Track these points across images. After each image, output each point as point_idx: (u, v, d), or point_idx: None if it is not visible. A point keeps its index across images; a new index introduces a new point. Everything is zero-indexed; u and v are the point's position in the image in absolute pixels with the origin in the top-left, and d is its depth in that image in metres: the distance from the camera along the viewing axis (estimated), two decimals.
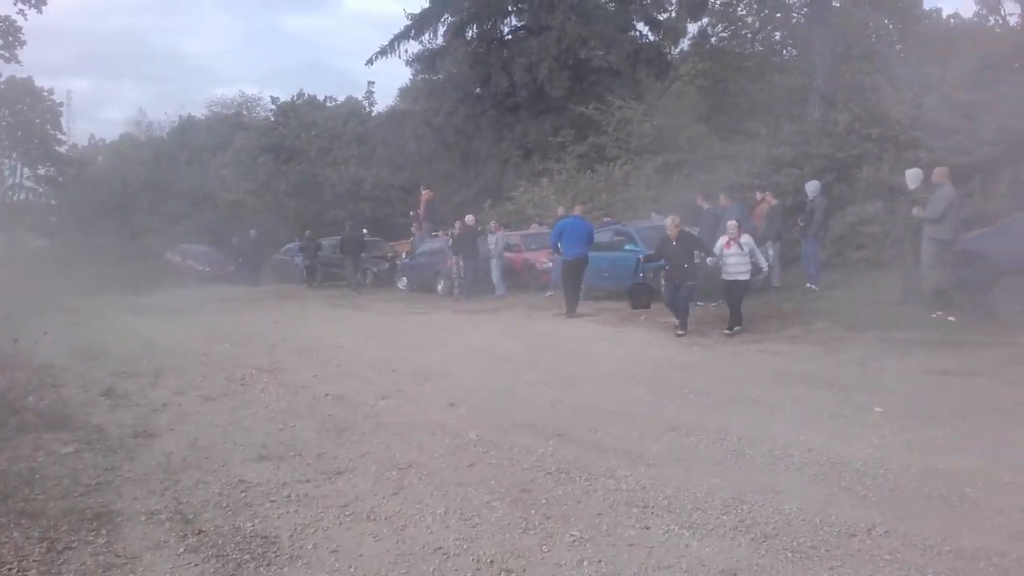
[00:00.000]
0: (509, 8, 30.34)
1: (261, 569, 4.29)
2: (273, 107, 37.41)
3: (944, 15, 32.17)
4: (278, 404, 8.14)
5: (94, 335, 13.84)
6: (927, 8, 31.19)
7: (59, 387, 9.28)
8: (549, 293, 16.09)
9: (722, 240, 11.00)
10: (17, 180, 37.16)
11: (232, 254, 28.19)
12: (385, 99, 50.08)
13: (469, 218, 18.81)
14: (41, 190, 34.59)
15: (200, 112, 45.23)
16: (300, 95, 36.53)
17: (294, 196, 31.26)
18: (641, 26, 30.23)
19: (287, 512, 5.07)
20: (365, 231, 25.79)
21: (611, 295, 14.75)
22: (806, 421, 6.48)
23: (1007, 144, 14.14)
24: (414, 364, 9.95)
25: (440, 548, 4.43)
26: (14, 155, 35.38)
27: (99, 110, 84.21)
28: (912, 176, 11.72)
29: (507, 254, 18.22)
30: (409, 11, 31.08)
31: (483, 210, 22.51)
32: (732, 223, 11.25)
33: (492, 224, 18.84)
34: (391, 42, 31.10)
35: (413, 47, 31.54)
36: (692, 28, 28.91)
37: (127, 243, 31.71)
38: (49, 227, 34.30)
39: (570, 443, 6.25)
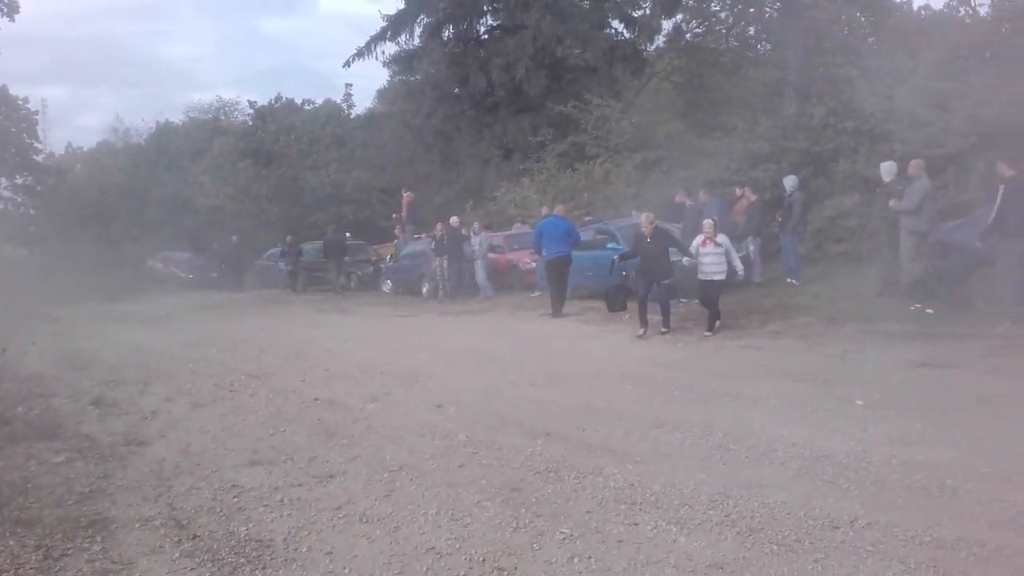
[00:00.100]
0: (484, 8, 30.39)
1: (256, 572, 4.36)
2: (251, 111, 37.24)
3: (915, 7, 32.51)
4: (268, 409, 8.18)
5: (80, 344, 13.78)
6: (898, 0, 31.56)
7: (48, 397, 9.29)
8: (536, 294, 16.15)
9: (698, 239, 10.95)
10: None
11: (214, 260, 28.06)
12: (363, 101, 50.19)
13: (454, 220, 18.86)
14: (19, 199, 34.13)
15: (178, 118, 44.95)
16: (278, 99, 36.43)
17: (275, 200, 31.16)
18: (616, 23, 30.35)
19: (280, 516, 5.14)
20: (348, 234, 25.78)
21: (595, 294, 14.83)
22: (789, 415, 6.59)
23: (978, 135, 14.33)
24: (401, 366, 10.00)
25: (433, 548, 4.50)
26: None
27: (75, 117, 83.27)
28: (887, 169, 11.90)
29: (490, 255, 18.27)
30: (385, 12, 31.08)
31: (465, 211, 22.57)
32: (708, 222, 11.21)
33: (476, 225, 18.89)
34: (368, 44, 31.08)
35: (390, 48, 31.54)
36: (667, 25, 29.00)
37: (107, 251, 31.45)
38: (28, 236, 33.91)
39: (558, 442, 6.33)
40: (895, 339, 9.26)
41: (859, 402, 6.78)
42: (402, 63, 32.48)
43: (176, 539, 4.84)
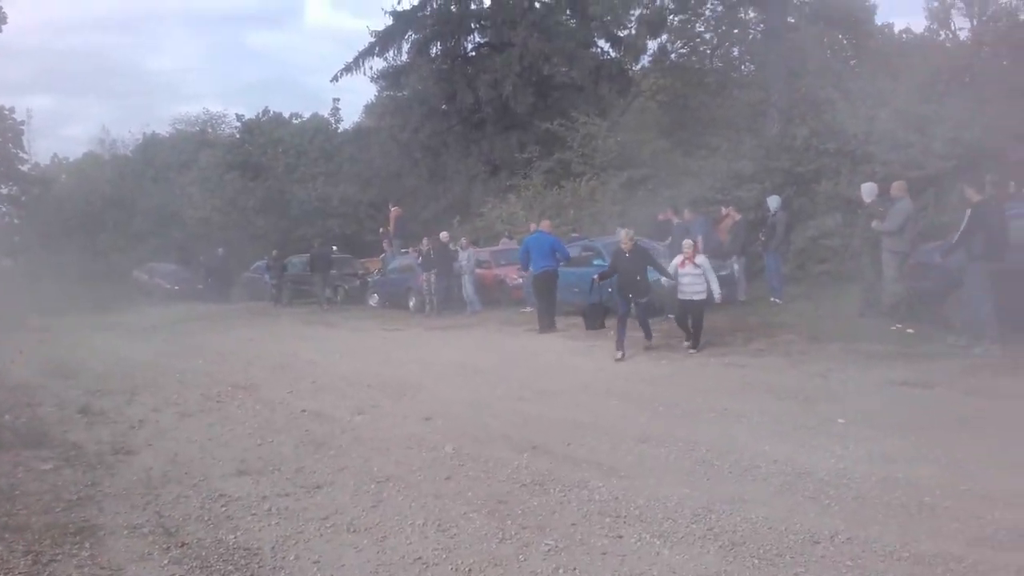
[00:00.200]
0: (472, 25, 30.68)
1: None
2: (238, 124, 37.29)
3: (896, 30, 33.09)
4: (255, 420, 8.20)
5: (67, 354, 13.71)
6: (879, 23, 32.01)
7: (35, 406, 9.29)
8: (528, 309, 16.11)
9: (678, 259, 10.96)
10: None
11: (200, 272, 28.02)
12: (351, 116, 50.24)
13: (443, 235, 18.95)
14: (4, 209, 34.13)
15: (164, 130, 45.04)
16: (265, 112, 36.52)
17: (262, 213, 31.18)
18: (602, 43, 30.73)
19: (268, 525, 5.18)
20: (335, 248, 25.83)
21: (581, 310, 14.90)
22: (772, 432, 6.66)
23: (957, 157, 14.58)
24: (389, 379, 10.04)
25: (420, 558, 4.55)
26: None
27: (61, 128, 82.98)
28: (867, 190, 12.06)
29: (478, 270, 18.34)
30: (373, 28, 31.27)
31: (452, 226, 22.66)
32: (688, 242, 11.25)
33: (463, 240, 18.96)
34: (356, 59, 31.27)
35: (377, 64, 31.73)
36: (652, 45, 29.34)
37: (93, 262, 31.42)
38: (13, 246, 33.84)
39: (544, 456, 6.39)
40: (876, 358, 9.36)
41: (840, 420, 6.86)
42: (390, 79, 32.64)
43: (164, 546, 4.87)
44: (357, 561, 4.56)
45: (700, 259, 10.91)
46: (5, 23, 29.46)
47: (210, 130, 44.76)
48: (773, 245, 14.32)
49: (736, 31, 29.83)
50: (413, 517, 5.18)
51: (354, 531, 5.02)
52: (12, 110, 32.95)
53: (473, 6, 30.75)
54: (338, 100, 49.17)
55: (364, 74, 31.78)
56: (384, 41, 30.91)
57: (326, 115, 37.36)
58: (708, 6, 28.78)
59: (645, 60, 30.42)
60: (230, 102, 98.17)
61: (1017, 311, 9.18)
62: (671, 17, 28.17)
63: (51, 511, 5.53)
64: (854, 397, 7.69)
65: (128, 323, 19.27)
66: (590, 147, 23.46)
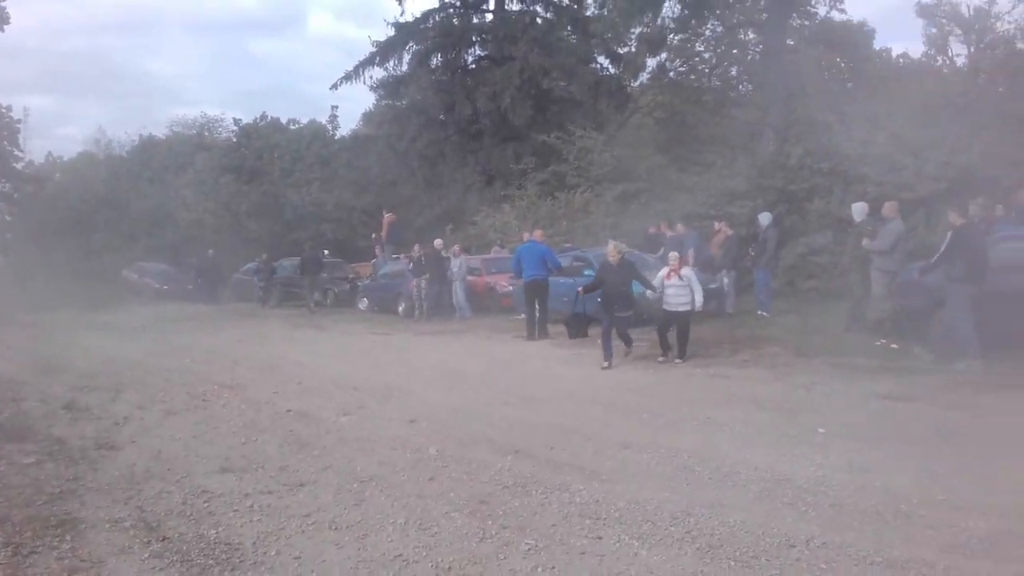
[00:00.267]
0: (473, 39, 30.96)
1: (226, 574, 4.42)
2: (235, 128, 37.33)
3: (894, 55, 33.46)
4: (240, 419, 8.21)
5: (54, 350, 13.71)
6: (877, 48, 32.37)
7: (19, 400, 9.30)
8: (521, 316, 16.12)
9: (663, 271, 11.08)
10: None
11: (190, 273, 28.02)
12: (349, 123, 50.30)
13: (437, 242, 19.03)
14: None
15: (161, 132, 45.14)
16: (263, 117, 36.55)
17: (255, 216, 31.12)
18: (602, 59, 30.99)
19: (250, 521, 5.20)
20: (326, 252, 25.85)
21: (564, 319, 14.93)
22: (753, 441, 6.72)
23: (949, 180, 14.72)
24: (376, 382, 10.06)
25: (400, 555, 4.58)
26: None
27: (57, 127, 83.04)
28: (858, 210, 12.20)
29: (469, 277, 18.41)
30: (374, 39, 31.47)
31: (445, 234, 22.72)
32: (673, 254, 11.39)
33: (456, 248, 19.03)
34: (356, 68, 31.49)
35: (377, 73, 31.94)
36: (651, 62, 29.57)
37: (85, 260, 31.37)
38: (5, 243, 33.80)
39: (527, 459, 6.43)
40: (860, 372, 9.45)
41: (821, 430, 6.92)
42: (389, 88, 32.83)
43: (145, 540, 4.89)
44: (338, 558, 4.59)
45: (686, 271, 11.04)
46: (8, 23, 29.49)
47: (207, 133, 44.89)
48: (763, 261, 14.45)
49: (735, 51, 30.12)
50: (395, 516, 5.20)
51: (336, 528, 5.04)
52: (9, 108, 32.93)
53: (475, 20, 31.05)
54: (336, 107, 49.19)
55: (364, 83, 32.07)
56: (385, 51, 31.11)
57: (324, 122, 37.53)
58: (708, 26, 29.05)
59: (644, 77, 30.69)
60: (229, 107, 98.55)
61: (1001, 331, 9.32)
62: (671, 36, 28.38)
63: (32, 504, 5.54)
64: (836, 409, 7.77)
65: (117, 322, 19.26)
66: (586, 160, 23.61)
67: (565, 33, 30.50)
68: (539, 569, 4.35)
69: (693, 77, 31.55)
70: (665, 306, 10.99)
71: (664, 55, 29.66)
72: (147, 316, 20.53)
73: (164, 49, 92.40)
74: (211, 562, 4.56)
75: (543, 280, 14.23)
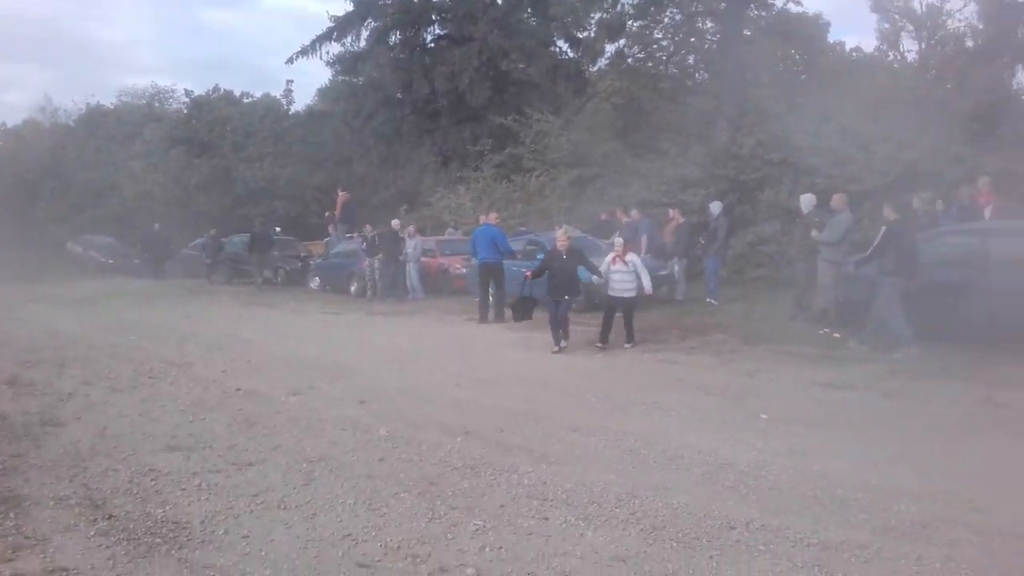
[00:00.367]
0: (433, 17, 30.70)
1: (173, 552, 4.39)
2: (186, 100, 36.55)
3: (848, 48, 34.00)
4: (188, 397, 8.14)
5: None
6: (832, 41, 32.88)
7: None
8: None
9: (609, 257, 11.12)
10: None
11: (137, 247, 27.52)
12: (303, 98, 49.50)
13: (395, 222, 18.93)
14: None
15: (110, 101, 43.99)
16: (215, 89, 35.85)
17: (205, 190, 30.58)
18: (561, 43, 30.99)
19: (198, 500, 5.18)
20: (278, 229, 25.57)
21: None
22: (698, 425, 6.87)
23: (896, 174, 15.09)
24: (326, 362, 10.03)
25: (349, 535, 4.61)
26: None
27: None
28: (806, 201, 12.44)
29: (422, 259, 18.38)
30: (332, 13, 31.03)
31: (400, 214, 22.64)
32: (618, 240, 11.42)
33: (411, 228, 18.97)
34: (312, 43, 31.08)
35: (334, 48, 31.55)
36: (610, 48, 29.65)
37: (27, 231, 30.58)
38: None
39: (477, 441, 6.49)
40: (803, 360, 9.69)
41: (764, 416, 7.10)
42: (346, 64, 32.44)
43: (91, 518, 4.84)
44: (287, 537, 4.60)
45: (631, 256, 11.05)
46: None
47: (157, 104, 43.84)
48: (713, 249, 14.65)
49: (693, 40, 30.29)
50: (344, 496, 5.23)
51: (284, 508, 5.05)
52: None
53: None
54: (291, 82, 48.25)
55: (320, 58, 31.67)
56: (343, 26, 30.75)
57: (278, 96, 36.92)
58: (667, 14, 29.18)
59: (602, 62, 30.75)
60: (179, 77, 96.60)
61: (942, 323, 9.67)
62: (630, 22, 28.48)
63: None
64: (779, 396, 7.96)
65: (60, 295, 18.90)
66: (542, 144, 23.65)
67: (525, 15, 30.47)
68: (487, 549, 4.42)
69: (651, 64, 31.68)
70: (610, 292, 11.01)
71: (623, 41, 29.75)
72: (92, 290, 20.18)
73: (112, 14, 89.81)
74: (158, 541, 4.53)
75: (495, 263, 14.23)
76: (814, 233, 11.70)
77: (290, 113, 35.77)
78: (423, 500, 5.16)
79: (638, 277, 10.96)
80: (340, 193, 23.76)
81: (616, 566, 4.20)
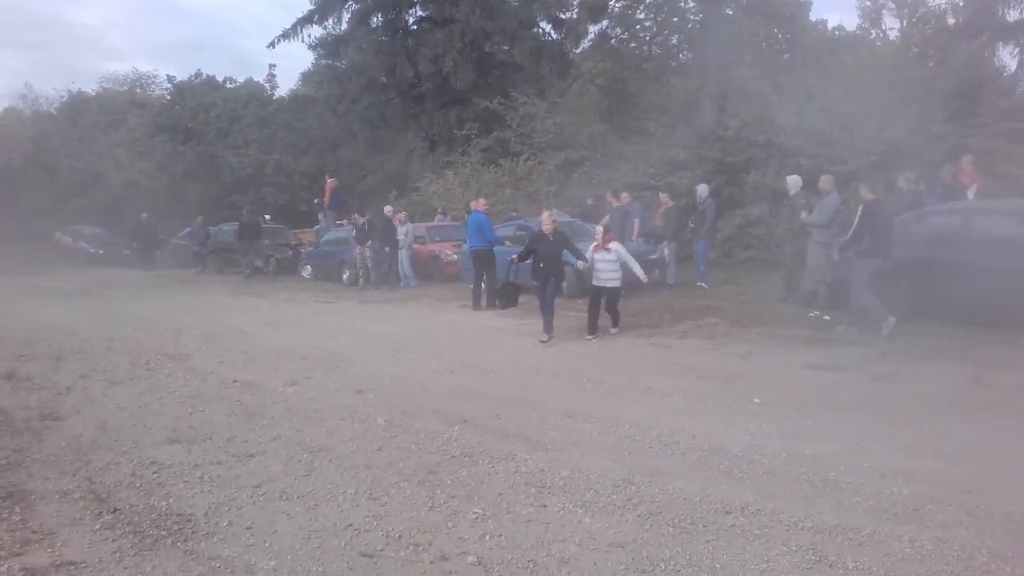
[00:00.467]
0: None
1: (178, 544, 4.47)
2: (169, 86, 36.28)
3: (829, 26, 34.03)
4: (186, 389, 8.17)
5: None
6: (814, 19, 32.87)
7: None
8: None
9: (592, 245, 10.95)
10: None
11: (126, 237, 27.38)
12: (287, 83, 49.18)
13: (387, 209, 18.88)
14: None
15: (91, 87, 43.60)
16: (198, 75, 35.60)
17: (192, 178, 30.44)
18: (544, 24, 30.94)
19: (201, 492, 5.25)
20: (267, 217, 25.48)
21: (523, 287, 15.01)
22: (692, 410, 6.97)
23: (879, 153, 15.18)
24: (322, 352, 10.06)
25: (351, 525, 4.69)
26: None
27: None
28: (793, 182, 12.53)
29: (414, 245, 18.39)
30: None
31: (388, 200, 22.62)
32: (600, 228, 11.22)
33: (402, 215, 18.96)
34: (294, 26, 30.90)
35: (316, 31, 31.39)
36: (593, 29, 29.55)
37: (11, 222, 30.35)
38: None
39: (474, 428, 6.57)
40: (794, 342, 9.79)
41: (756, 400, 7.20)
42: (328, 47, 32.31)
43: (96, 511, 4.91)
44: (289, 527, 4.68)
45: (614, 245, 10.85)
46: None
47: (139, 90, 43.51)
48: (703, 231, 14.71)
49: (676, 19, 30.21)
50: (345, 486, 5.31)
51: (286, 499, 5.12)
52: None
53: None
54: (274, 66, 47.94)
55: (302, 41, 31.50)
56: (324, 9, 30.56)
57: (261, 81, 36.68)
58: None
59: (586, 44, 30.66)
60: (160, 61, 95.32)
61: (930, 303, 9.80)
62: (613, 3, 28.39)
63: None
64: (770, 379, 8.05)
65: (52, 287, 18.82)
66: (529, 127, 23.63)
67: None
68: (487, 536, 4.51)
69: (634, 45, 31.62)
70: (594, 281, 10.86)
71: (606, 22, 29.66)
72: (83, 281, 20.10)
73: None
74: (163, 533, 4.61)
75: (483, 250, 14.17)
76: (804, 215, 11.76)
77: (274, 98, 35.60)
78: (423, 489, 5.24)
79: (622, 266, 10.81)
80: (328, 180, 23.69)
81: (614, 552, 4.29)
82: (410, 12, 31.11)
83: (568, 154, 21.81)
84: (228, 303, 16.28)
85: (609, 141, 22.67)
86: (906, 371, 8.16)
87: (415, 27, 31.06)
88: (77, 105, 40.29)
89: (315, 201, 25.02)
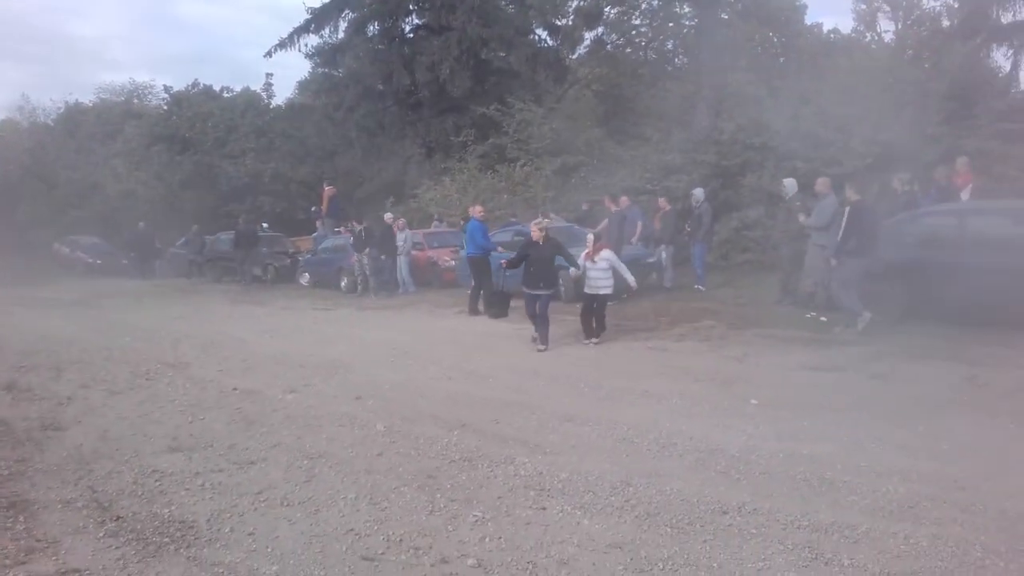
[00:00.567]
0: (410, 7, 30.59)
1: (181, 551, 4.51)
2: (166, 96, 36.37)
3: (825, 30, 34.19)
4: (185, 398, 8.21)
5: None
6: (809, 23, 33.02)
7: None
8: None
9: (583, 253, 10.89)
10: None
11: (124, 247, 27.42)
12: (284, 91, 49.27)
13: (387, 216, 18.94)
14: None
15: (88, 98, 43.69)
16: (194, 84, 35.69)
17: (189, 187, 30.48)
18: (540, 31, 30.98)
19: (203, 499, 5.28)
20: (265, 225, 25.51)
21: (517, 292, 15.03)
22: (689, 412, 7.01)
23: (875, 156, 15.25)
24: (320, 359, 10.09)
25: (352, 529, 4.73)
26: None
27: None
28: (789, 185, 12.58)
29: (412, 252, 18.43)
30: (309, 5, 30.92)
31: (386, 207, 22.68)
32: (590, 237, 11.16)
33: (400, 221, 19.00)
34: (291, 35, 31.00)
35: (313, 40, 31.48)
36: (588, 35, 29.67)
37: (9, 233, 30.36)
38: None
39: (473, 433, 6.61)
40: (790, 344, 9.86)
41: (753, 401, 7.25)
42: (325, 56, 32.40)
43: (99, 520, 4.95)
44: (291, 533, 4.72)
45: (606, 253, 10.77)
46: None
47: (136, 101, 43.62)
48: (699, 235, 14.76)
49: (671, 25, 30.31)
50: (345, 491, 5.34)
51: (288, 505, 5.16)
52: None
53: None
54: (271, 75, 48.12)
55: (299, 50, 31.60)
56: (320, 18, 30.63)
57: (258, 90, 36.76)
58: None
59: (581, 50, 30.77)
60: (157, 72, 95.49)
61: (925, 303, 9.85)
62: (608, 9, 28.48)
63: None
64: (767, 380, 8.10)
65: (50, 298, 18.83)
66: (525, 133, 23.70)
67: (503, 3, 30.45)
68: (486, 539, 4.55)
69: (629, 50, 31.73)
70: (587, 289, 10.78)
71: (601, 28, 29.77)
72: (81, 292, 20.09)
73: (86, 9, 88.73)
74: (166, 540, 4.64)
75: (476, 256, 14.19)
76: (802, 218, 11.80)
77: (271, 107, 35.68)
78: (423, 493, 5.28)
79: (614, 274, 10.73)
80: (325, 187, 23.73)
81: (613, 553, 4.34)
82: (406, 20, 31.19)
83: (565, 159, 21.89)
84: (226, 311, 16.30)
85: (605, 146, 22.74)
86: (902, 371, 8.22)
87: (411, 35, 31.13)
88: (74, 116, 40.40)
89: (313, 209, 25.03)
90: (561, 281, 13.12)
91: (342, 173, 28.65)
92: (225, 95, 35.65)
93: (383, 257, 17.93)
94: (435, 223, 21.61)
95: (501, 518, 4.85)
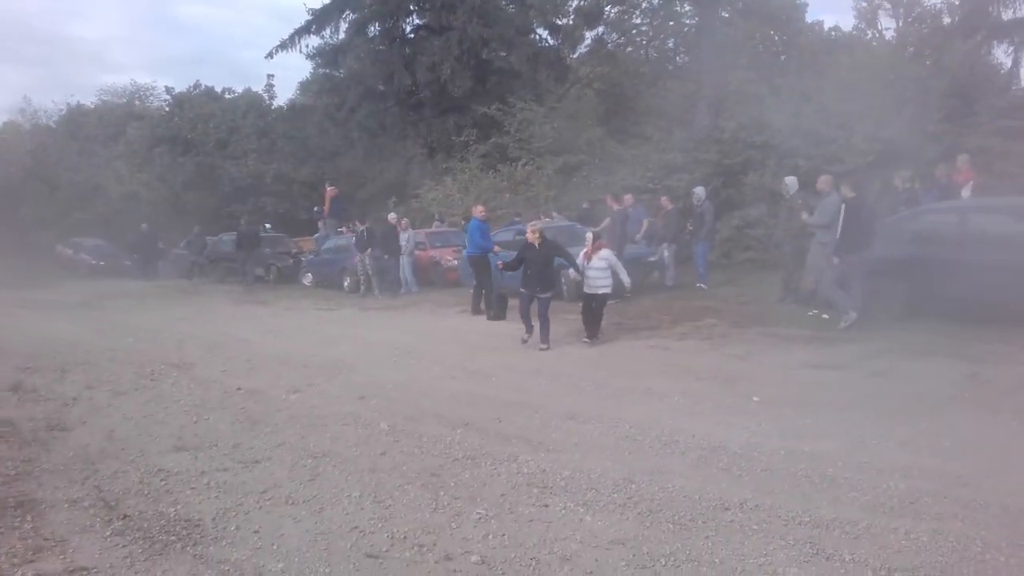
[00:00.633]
0: (411, 7, 30.63)
1: (188, 549, 4.54)
2: (168, 97, 36.39)
3: (826, 27, 34.18)
4: (190, 398, 8.24)
5: None
6: (810, 21, 33.01)
7: None
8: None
9: (581, 252, 10.86)
10: None
11: (127, 248, 27.47)
12: (285, 92, 49.34)
13: (391, 216, 18.98)
14: None
15: (90, 100, 43.71)
16: (196, 86, 35.71)
17: (191, 189, 30.50)
18: (541, 31, 31.00)
19: (208, 498, 5.31)
20: (268, 226, 25.54)
21: (514, 293, 15.06)
22: (691, 410, 7.04)
23: (876, 153, 15.27)
24: (324, 359, 10.13)
25: (356, 527, 4.76)
26: None
27: None
28: (790, 183, 12.60)
29: (415, 252, 18.46)
30: (310, 5, 30.99)
31: (388, 207, 22.71)
32: (589, 235, 11.19)
33: (403, 221, 19.03)
34: (292, 36, 31.08)
35: (314, 41, 31.54)
36: (589, 34, 29.72)
37: (12, 235, 30.40)
38: None
39: (476, 432, 6.64)
40: (793, 342, 9.88)
41: (755, 399, 7.27)
42: (326, 57, 32.44)
43: (106, 519, 4.98)
44: (296, 531, 4.75)
45: (604, 253, 10.77)
46: None
47: (138, 102, 43.62)
48: (701, 233, 14.78)
49: (671, 23, 30.33)
50: (349, 490, 5.37)
51: (292, 503, 5.19)
52: None
53: None
54: (272, 76, 48.10)
55: (300, 51, 31.65)
56: (321, 19, 30.68)
57: (260, 91, 36.74)
58: None
59: (582, 49, 30.81)
60: (158, 74, 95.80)
61: (925, 300, 9.87)
62: (608, 8, 28.51)
63: None
64: (769, 378, 8.13)
65: (54, 300, 18.87)
66: (527, 132, 23.75)
67: (503, 3, 30.46)
68: (490, 536, 4.58)
69: (630, 49, 31.76)
70: (586, 288, 10.76)
71: (601, 28, 29.81)
72: (84, 293, 20.12)
73: (86, 11, 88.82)
74: (173, 538, 4.68)
75: (475, 256, 14.18)
76: (805, 216, 11.80)
77: (273, 108, 35.67)
78: (426, 491, 5.31)
79: (614, 274, 10.71)
80: (327, 188, 23.77)
81: (615, 549, 4.36)
82: (407, 21, 31.23)
83: (566, 158, 21.93)
84: (230, 312, 16.35)
85: (607, 145, 22.78)
86: (903, 369, 8.23)
87: (412, 35, 31.18)
88: (76, 118, 40.42)
89: (315, 209, 25.07)
90: (563, 280, 13.16)
91: (344, 173, 28.66)
92: (227, 96, 35.62)
93: (386, 257, 17.96)
94: (436, 223, 21.64)
95: (504, 515, 4.87)
